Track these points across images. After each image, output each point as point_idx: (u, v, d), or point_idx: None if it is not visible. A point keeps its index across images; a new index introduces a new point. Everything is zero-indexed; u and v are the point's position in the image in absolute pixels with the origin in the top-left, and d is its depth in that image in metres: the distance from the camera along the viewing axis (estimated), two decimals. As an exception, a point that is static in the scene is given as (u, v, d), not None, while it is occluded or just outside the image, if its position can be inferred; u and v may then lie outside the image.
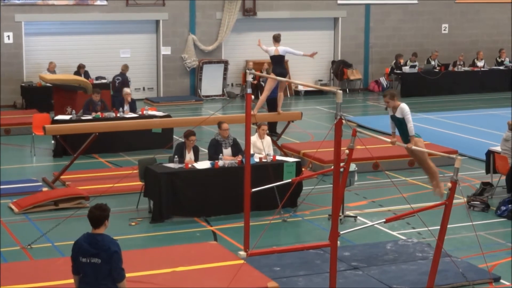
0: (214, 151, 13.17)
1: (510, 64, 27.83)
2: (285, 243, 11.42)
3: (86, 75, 22.61)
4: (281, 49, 15.51)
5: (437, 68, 26.70)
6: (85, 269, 6.80)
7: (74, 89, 19.47)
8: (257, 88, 24.40)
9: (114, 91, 20.77)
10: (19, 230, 11.94)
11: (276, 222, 12.11)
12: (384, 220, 9.12)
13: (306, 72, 26.88)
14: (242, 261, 9.99)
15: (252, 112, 15.44)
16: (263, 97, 15.67)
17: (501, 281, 9.96)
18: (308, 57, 15.64)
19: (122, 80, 20.30)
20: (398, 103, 10.44)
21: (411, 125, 10.33)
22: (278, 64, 15.63)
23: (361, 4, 27.31)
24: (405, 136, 10.46)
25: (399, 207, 12.89)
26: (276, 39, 15.64)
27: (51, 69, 22.50)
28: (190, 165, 12.73)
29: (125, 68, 21.85)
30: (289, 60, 25.84)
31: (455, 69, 27.01)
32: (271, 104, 16.98)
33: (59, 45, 23.91)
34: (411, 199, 12.30)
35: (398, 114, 10.45)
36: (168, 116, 17.66)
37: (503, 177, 13.99)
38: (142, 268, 9.80)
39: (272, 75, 15.22)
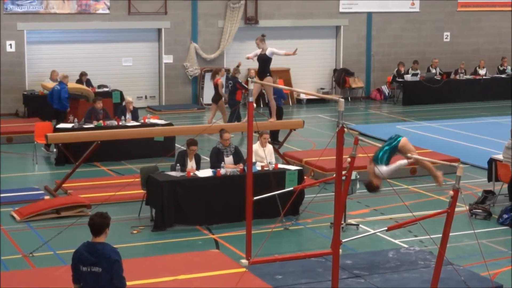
0: (216, 160, 13.17)
1: (512, 72, 27.89)
2: (287, 251, 11.42)
3: (88, 83, 22.60)
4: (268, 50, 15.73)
5: (439, 76, 26.70)
6: (86, 278, 6.77)
7: (76, 97, 19.51)
8: (259, 97, 24.40)
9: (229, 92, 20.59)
10: (21, 238, 11.94)
11: (278, 230, 12.12)
12: (386, 228, 9.11)
13: (308, 80, 26.90)
14: (244, 269, 9.97)
15: (272, 119, 15.53)
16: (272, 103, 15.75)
17: (503, 289, 9.96)
18: (291, 55, 15.70)
19: (234, 83, 20.25)
20: None
21: None
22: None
23: (363, 12, 27.33)
24: None
25: (401, 215, 12.88)
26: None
27: (54, 77, 22.49)
28: (192, 174, 12.74)
29: (237, 71, 21.27)
30: (291, 69, 25.93)
31: (457, 77, 27.01)
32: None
33: (61, 53, 23.94)
34: (413, 207, 12.30)
35: None
36: (170, 124, 17.66)
37: (505, 185, 13.99)
38: (144, 277, 9.79)
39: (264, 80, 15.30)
